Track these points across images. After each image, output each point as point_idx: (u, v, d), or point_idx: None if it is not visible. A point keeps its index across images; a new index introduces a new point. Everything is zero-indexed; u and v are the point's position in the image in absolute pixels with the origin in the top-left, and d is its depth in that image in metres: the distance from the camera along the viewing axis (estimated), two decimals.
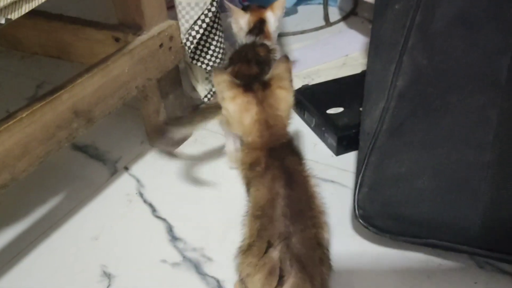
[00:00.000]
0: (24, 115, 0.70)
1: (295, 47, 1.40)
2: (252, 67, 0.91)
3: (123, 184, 0.99)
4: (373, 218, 0.75)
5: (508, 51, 0.69)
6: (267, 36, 1.02)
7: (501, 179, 0.67)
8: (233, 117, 0.70)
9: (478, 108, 0.69)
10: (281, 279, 0.58)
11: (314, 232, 0.62)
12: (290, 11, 1.55)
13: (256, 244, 0.61)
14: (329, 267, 0.65)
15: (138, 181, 0.99)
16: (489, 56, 0.70)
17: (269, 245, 0.59)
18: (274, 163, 0.66)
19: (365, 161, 0.76)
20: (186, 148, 1.07)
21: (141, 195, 0.96)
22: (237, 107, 0.69)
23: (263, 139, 0.69)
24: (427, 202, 0.71)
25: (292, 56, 1.34)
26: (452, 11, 0.74)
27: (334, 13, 1.55)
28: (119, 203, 0.94)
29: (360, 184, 0.76)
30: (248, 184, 0.69)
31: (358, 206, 0.76)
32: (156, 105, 1.00)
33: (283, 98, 0.72)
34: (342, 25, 1.51)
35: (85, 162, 1.05)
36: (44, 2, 0.71)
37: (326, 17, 1.50)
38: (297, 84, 1.21)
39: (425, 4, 0.76)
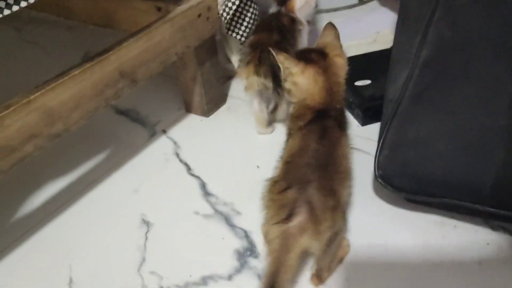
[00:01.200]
0: (76, 72, 0.78)
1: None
2: (273, 35, 0.97)
3: (161, 145, 1.06)
4: (391, 178, 0.80)
5: None
6: (289, 9, 1.06)
7: None
8: (301, 88, 0.76)
9: (495, 76, 0.72)
10: (290, 216, 0.65)
11: (332, 184, 0.68)
12: None
13: (279, 183, 0.68)
14: (342, 217, 0.71)
15: (175, 143, 1.07)
16: (509, 25, 0.73)
17: (289, 186, 0.67)
18: (316, 121, 0.74)
19: (388, 126, 0.81)
20: (220, 115, 1.13)
21: (177, 155, 1.03)
22: (306, 79, 0.76)
23: (324, 104, 0.76)
24: (443, 164, 0.76)
25: None
26: None
27: None
28: (157, 162, 1.02)
29: (381, 147, 0.81)
30: (289, 135, 0.77)
31: (378, 167, 0.81)
32: (193, 72, 1.07)
33: (342, 66, 0.81)
34: (375, 3, 1.53)
35: (127, 125, 1.13)
36: None
37: None
38: None
39: None
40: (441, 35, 0.79)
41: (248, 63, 0.98)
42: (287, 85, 0.78)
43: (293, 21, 1.04)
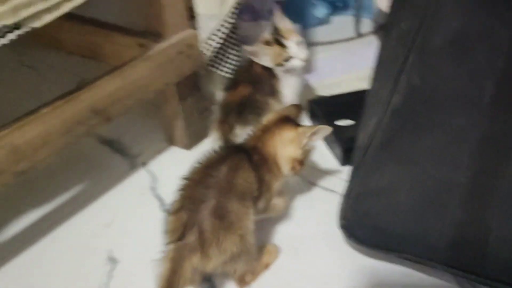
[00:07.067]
0: (45, 111, 0.79)
1: (321, 56, 1.43)
2: (245, 90, 1.01)
3: (139, 179, 1.07)
4: (353, 228, 0.78)
5: (494, 75, 0.70)
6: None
7: (470, 200, 0.68)
8: None
9: (458, 128, 0.71)
10: (183, 235, 0.69)
11: (227, 205, 0.71)
12: (322, 21, 1.58)
13: (174, 204, 0.73)
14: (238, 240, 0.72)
15: (153, 176, 1.07)
16: (475, 79, 0.72)
17: (182, 207, 0.71)
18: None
19: (354, 174, 0.80)
20: (203, 148, 1.13)
21: (153, 189, 1.04)
22: None
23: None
24: (401, 216, 0.74)
25: (316, 65, 1.38)
26: (449, 33, 0.76)
27: (367, 26, 1.57)
28: (133, 196, 1.02)
29: (347, 195, 0.80)
30: None
31: (342, 216, 0.79)
32: (175, 107, 1.07)
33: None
34: (372, 37, 1.52)
35: (109, 156, 1.14)
36: (85, 5, 0.81)
37: (357, 28, 1.53)
38: (317, 93, 1.25)
39: (427, 25, 0.79)
40: (411, 83, 0.78)
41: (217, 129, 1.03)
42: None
43: (267, 69, 1.03)
